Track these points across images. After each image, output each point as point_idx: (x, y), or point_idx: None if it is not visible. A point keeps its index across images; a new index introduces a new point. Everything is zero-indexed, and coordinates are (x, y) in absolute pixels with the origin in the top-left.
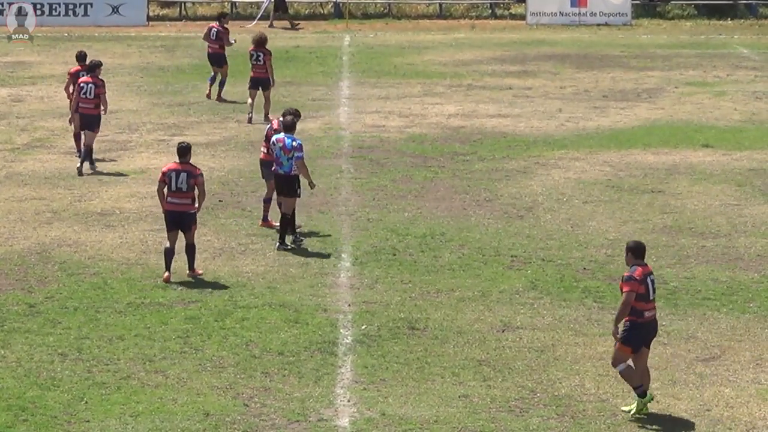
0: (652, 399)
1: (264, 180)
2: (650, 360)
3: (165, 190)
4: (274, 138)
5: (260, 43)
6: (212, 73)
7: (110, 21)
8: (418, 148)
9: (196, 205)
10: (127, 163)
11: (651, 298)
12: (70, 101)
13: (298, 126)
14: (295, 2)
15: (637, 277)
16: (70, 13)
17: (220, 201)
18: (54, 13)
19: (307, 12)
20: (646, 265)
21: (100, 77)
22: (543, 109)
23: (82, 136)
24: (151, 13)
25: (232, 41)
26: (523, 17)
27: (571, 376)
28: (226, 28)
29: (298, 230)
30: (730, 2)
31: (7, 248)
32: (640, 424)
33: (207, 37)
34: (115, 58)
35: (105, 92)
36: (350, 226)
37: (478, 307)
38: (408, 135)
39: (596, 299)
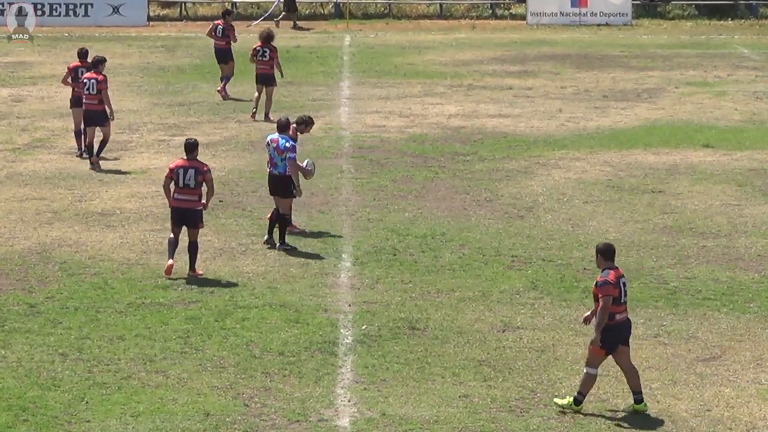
0: (580, 410)
1: None
2: (650, 360)
3: (171, 186)
4: (268, 138)
5: (267, 39)
6: (222, 74)
7: (111, 21)
8: (418, 148)
9: (203, 201)
10: (128, 163)
11: (623, 300)
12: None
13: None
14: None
15: (612, 281)
16: (71, 13)
17: (220, 201)
18: (54, 13)
19: (307, 12)
20: (617, 267)
21: (103, 73)
22: (543, 109)
23: (89, 132)
24: (151, 13)
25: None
26: (523, 17)
27: (572, 377)
28: (232, 25)
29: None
30: (731, 2)
31: (7, 248)
32: (640, 424)
33: (213, 34)
34: (116, 58)
35: (106, 88)
36: (351, 226)
37: (479, 307)
38: (408, 135)
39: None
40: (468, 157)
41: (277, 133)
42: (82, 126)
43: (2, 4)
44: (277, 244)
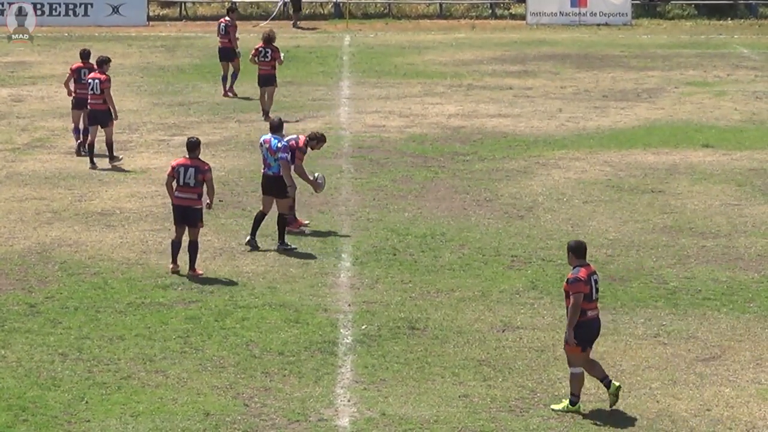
0: (579, 410)
1: None
2: (650, 360)
3: (174, 184)
4: (261, 139)
5: (268, 40)
6: (222, 73)
7: (110, 21)
8: (418, 148)
9: (207, 200)
10: (128, 163)
11: (594, 297)
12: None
13: (299, 126)
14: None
15: (583, 278)
16: (71, 13)
17: (220, 201)
18: (54, 13)
19: (307, 12)
20: (588, 264)
21: (107, 73)
22: (543, 109)
23: (91, 131)
24: (151, 13)
25: (238, 50)
26: (523, 17)
27: None
28: (235, 24)
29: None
30: (730, 2)
31: (7, 248)
32: (640, 424)
33: (218, 32)
34: (116, 58)
35: (109, 88)
36: (350, 226)
37: (479, 307)
38: (408, 135)
39: None
40: (468, 157)
41: (270, 134)
42: (81, 125)
43: (2, 4)
44: (278, 244)
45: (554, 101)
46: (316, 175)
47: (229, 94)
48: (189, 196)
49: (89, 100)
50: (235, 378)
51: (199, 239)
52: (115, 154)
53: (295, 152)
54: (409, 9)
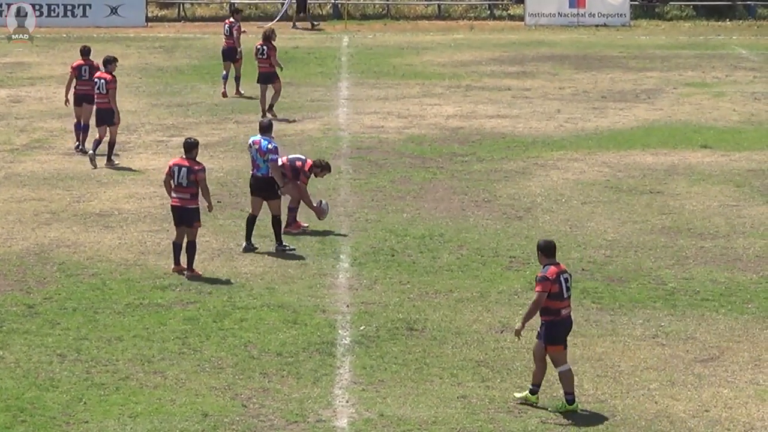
0: (576, 408)
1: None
2: (648, 360)
3: (172, 183)
4: (250, 140)
5: (265, 38)
6: (224, 72)
7: (109, 22)
8: (416, 148)
9: (205, 202)
10: (126, 164)
11: (566, 296)
12: (70, 93)
13: (298, 127)
14: (294, 3)
15: (550, 277)
16: (69, 14)
17: (218, 202)
18: (53, 14)
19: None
20: (559, 264)
21: (113, 73)
22: (542, 109)
23: (100, 131)
24: (149, 14)
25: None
26: (521, 18)
27: None
28: (240, 25)
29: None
30: (729, 3)
31: (5, 249)
32: (639, 425)
33: (224, 33)
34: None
35: (115, 89)
36: (349, 226)
37: (477, 307)
38: (407, 136)
39: (594, 300)
40: (466, 157)
41: (259, 135)
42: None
43: (1, 5)
44: (275, 246)
45: (553, 102)
46: (320, 201)
47: (241, 92)
48: (182, 196)
49: (96, 99)
50: (234, 379)
51: (197, 240)
52: (112, 157)
53: (300, 174)
54: (408, 10)
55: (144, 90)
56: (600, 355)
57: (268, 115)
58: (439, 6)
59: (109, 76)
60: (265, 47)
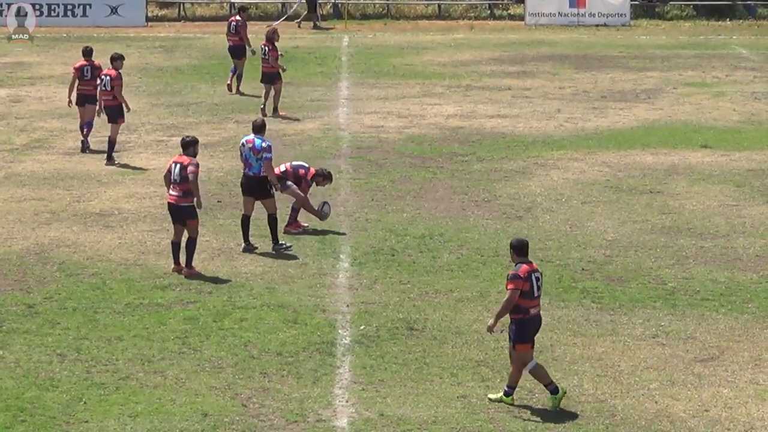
0: (565, 394)
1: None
2: (648, 360)
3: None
4: (244, 139)
5: (268, 38)
6: (233, 66)
7: (109, 22)
8: (416, 148)
9: (194, 199)
10: (126, 164)
11: (536, 295)
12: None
13: (298, 127)
14: (294, 3)
15: (522, 275)
16: (69, 13)
17: (218, 202)
18: (53, 13)
19: (305, 13)
20: (530, 262)
21: (119, 71)
22: (542, 109)
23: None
24: (149, 14)
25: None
26: (521, 18)
27: (570, 377)
28: (246, 23)
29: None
30: (729, 3)
31: (5, 249)
32: (639, 425)
33: (228, 30)
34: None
35: (120, 86)
36: (349, 226)
37: (477, 307)
38: (407, 135)
39: (594, 300)
40: (466, 157)
41: (252, 134)
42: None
43: (1, 5)
44: (272, 244)
45: (553, 102)
46: (323, 203)
47: (240, 91)
48: (176, 193)
49: (102, 97)
50: (234, 379)
51: (197, 238)
52: (112, 156)
53: (302, 182)
54: (408, 10)
55: (144, 90)
56: (600, 355)
57: (266, 115)
58: (439, 6)
59: (114, 73)
60: (266, 48)
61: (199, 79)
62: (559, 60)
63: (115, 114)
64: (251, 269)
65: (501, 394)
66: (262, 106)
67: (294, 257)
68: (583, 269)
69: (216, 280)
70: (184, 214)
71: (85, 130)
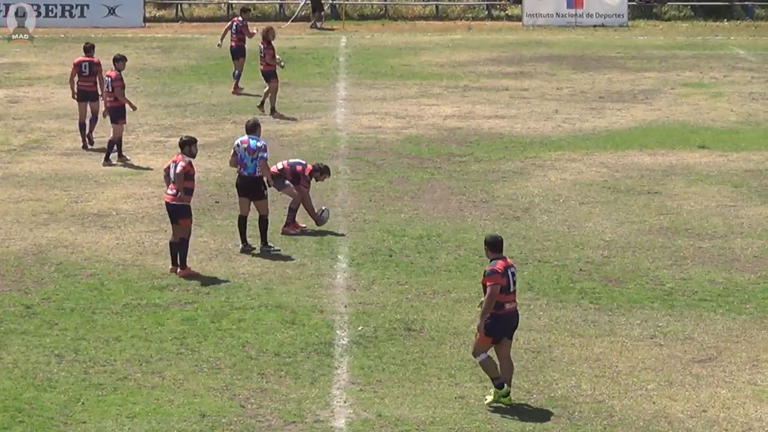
0: (508, 393)
1: (278, 192)
2: (646, 361)
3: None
4: (239, 140)
5: (264, 37)
6: (235, 71)
7: (107, 22)
8: (414, 149)
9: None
10: (124, 164)
11: (511, 290)
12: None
13: (296, 128)
14: (291, 3)
15: (499, 270)
16: (67, 14)
17: (216, 202)
18: (50, 14)
19: (303, 13)
20: (505, 258)
21: (120, 72)
22: (539, 110)
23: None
24: (147, 15)
25: (254, 31)
26: (519, 18)
27: (568, 378)
28: (247, 24)
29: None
30: (727, 3)
31: (3, 249)
32: (637, 426)
33: (230, 30)
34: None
35: (120, 86)
36: (347, 227)
37: (475, 308)
38: (404, 136)
39: (592, 300)
40: (464, 158)
41: (246, 135)
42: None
43: (1, 5)
44: (260, 245)
45: (550, 102)
46: (322, 209)
47: (240, 87)
48: (170, 192)
49: (106, 98)
50: (231, 379)
51: (193, 240)
52: (110, 157)
53: (301, 179)
54: (406, 10)
55: (142, 90)
56: (598, 356)
57: (261, 115)
58: (436, 6)
59: (114, 74)
60: (262, 46)
61: (197, 79)
62: (557, 60)
63: (117, 115)
64: (249, 270)
65: (493, 391)
66: (259, 104)
67: (292, 258)
68: (580, 270)
69: (214, 281)
70: (175, 212)
71: (89, 124)
